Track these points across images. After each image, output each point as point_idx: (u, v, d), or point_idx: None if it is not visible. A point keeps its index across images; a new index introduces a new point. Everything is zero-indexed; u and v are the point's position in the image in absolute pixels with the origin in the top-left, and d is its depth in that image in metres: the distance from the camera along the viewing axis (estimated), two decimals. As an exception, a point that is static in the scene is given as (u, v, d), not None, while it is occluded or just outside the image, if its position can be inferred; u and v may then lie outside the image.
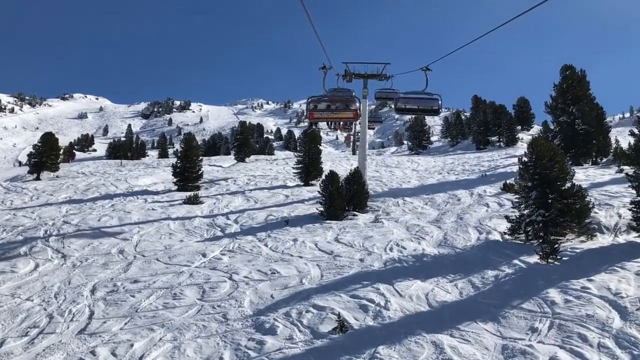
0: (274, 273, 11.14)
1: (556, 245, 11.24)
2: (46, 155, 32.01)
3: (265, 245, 13.68)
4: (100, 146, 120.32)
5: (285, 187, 24.62)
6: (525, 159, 13.52)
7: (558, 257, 10.95)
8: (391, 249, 12.77)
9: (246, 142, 43.37)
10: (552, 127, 31.66)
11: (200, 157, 26.49)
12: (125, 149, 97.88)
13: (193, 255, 13.01)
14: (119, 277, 11.56)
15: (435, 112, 19.03)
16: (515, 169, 27.24)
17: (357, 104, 17.04)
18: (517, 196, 13.56)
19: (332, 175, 17.12)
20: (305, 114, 17.90)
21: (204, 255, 12.86)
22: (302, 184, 25.05)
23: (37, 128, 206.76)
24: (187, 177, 24.95)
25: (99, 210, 19.80)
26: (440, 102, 18.54)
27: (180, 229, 16.13)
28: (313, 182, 25.07)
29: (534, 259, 11.23)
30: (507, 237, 13.31)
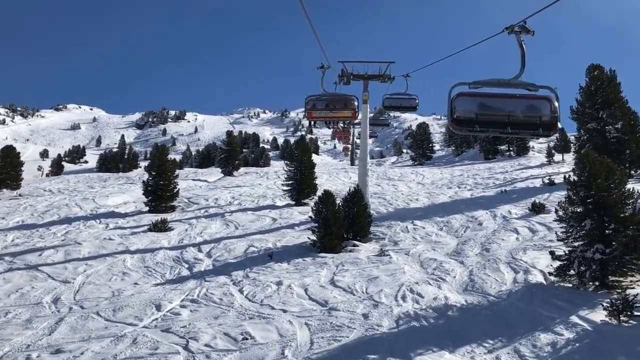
0: (247, 338, 8.40)
1: (627, 295, 8.56)
2: (5, 172, 29.16)
3: (241, 291, 10.93)
4: (93, 157, 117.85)
5: (273, 207, 21.88)
6: (573, 177, 10.88)
7: (634, 313, 8.27)
8: (404, 298, 10.05)
9: (234, 153, 40.67)
10: (574, 134, 29.14)
11: (177, 173, 23.73)
12: (117, 161, 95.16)
13: (145, 307, 10.24)
14: (39, 342, 8.79)
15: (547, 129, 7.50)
16: (538, 183, 24.77)
17: (356, 103, 15.76)
18: (564, 224, 10.89)
19: (327, 196, 14.43)
20: (303, 113, 15.88)
21: (159, 308, 10.10)
22: (293, 203, 22.32)
23: (28, 140, 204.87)
24: (160, 196, 22.20)
25: (48, 239, 17.00)
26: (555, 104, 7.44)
27: (138, 267, 13.36)
28: (306, 200, 22.34)
29: (599, 315, 8.56)
30: (552, 278, 10.63)
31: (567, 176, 11.07)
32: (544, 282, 10.68)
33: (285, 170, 23.29)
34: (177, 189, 22.92)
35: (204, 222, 18.86)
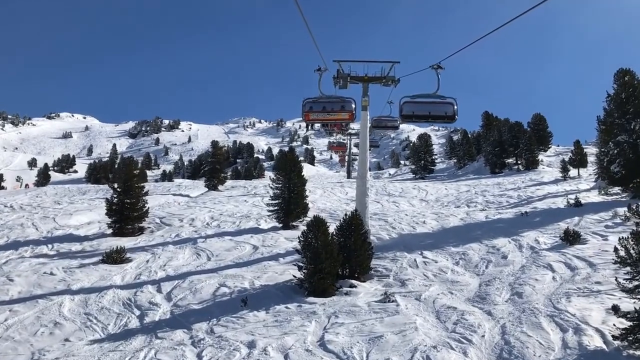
0: None
1: None
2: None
3: (199, 356, 8.36)
4: (83, 167, 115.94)
5: (256, 230, 19.35)
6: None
7: None
8: (419, 373, 7.50)
9: (219, 165, 38.07)
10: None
11: (146, 190, 21.15)
12: (107, 171, 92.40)
13: (65, 382, 7.66)
14: None
15: None
16: (560, 203, 22.33)
17: (353, 105, 15.51)
18: (630, 268, 8.42)
19: (318, 223, 11.93)
20: (301, 116, 16.12)
21: (83, 385, 7.52)
22: (280, 225, 19.79)
23: (17, 148, 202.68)
24: (126, 216, 19.65)
25: (-19, 270, 14.37)
26: None
27: (77, 314, 10.79)
28: (295, 223, 19.84)
29: None
30: (617, 343, 8.13)
31: (633, 205, 8.62)
32: (604, 347, 8.19)
33: (272, 188, 20.76)
34: (146, 208, 20.35)
35: (171, 250, 16.26)
